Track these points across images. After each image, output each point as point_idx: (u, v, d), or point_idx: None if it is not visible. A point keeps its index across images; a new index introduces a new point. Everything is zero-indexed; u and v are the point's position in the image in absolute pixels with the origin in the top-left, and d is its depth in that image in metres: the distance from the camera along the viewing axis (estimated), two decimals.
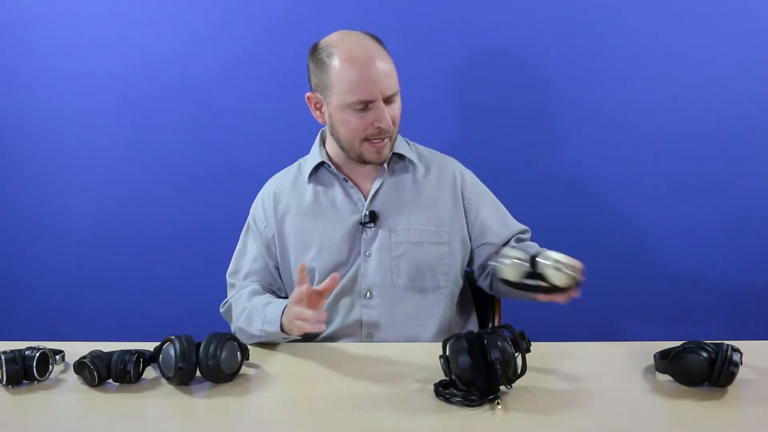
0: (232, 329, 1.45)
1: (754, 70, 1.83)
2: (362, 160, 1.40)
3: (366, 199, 1.43)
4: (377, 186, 1.43)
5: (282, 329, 1.28)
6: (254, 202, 1.53)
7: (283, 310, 1.29)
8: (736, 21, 1.81)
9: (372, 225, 1.42)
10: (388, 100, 1.33)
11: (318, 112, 1.40)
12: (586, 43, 1.85)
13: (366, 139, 1.35)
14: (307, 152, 1.53)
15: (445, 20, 1.85)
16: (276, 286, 1.51)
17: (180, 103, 1.94)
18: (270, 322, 1.31)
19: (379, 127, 1.33)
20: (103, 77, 1.93)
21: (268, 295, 1.45)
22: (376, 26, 1.40)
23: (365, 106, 1.32)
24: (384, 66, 1.32)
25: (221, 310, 1.50)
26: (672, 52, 1.84)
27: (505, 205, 1.54)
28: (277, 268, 1.49)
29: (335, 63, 1.31)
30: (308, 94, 1.39)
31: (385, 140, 1.36)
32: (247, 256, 1.50)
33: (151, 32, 1.91)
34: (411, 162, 1.46)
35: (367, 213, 1.42)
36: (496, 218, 1.50)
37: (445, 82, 1.88)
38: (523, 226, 1.53)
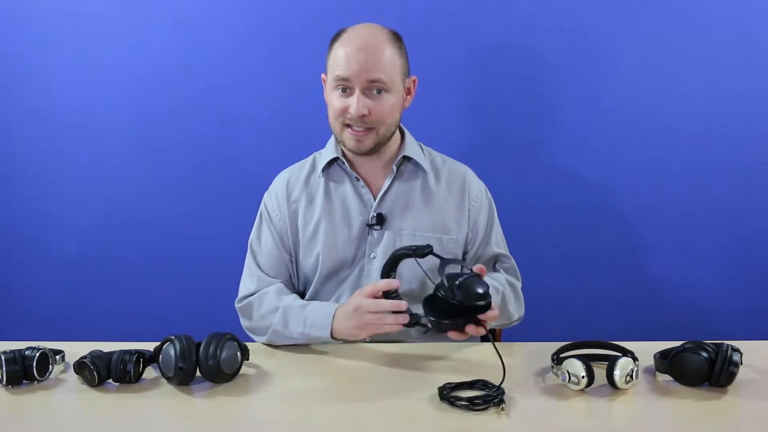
0: (246, 326, 1.42)
1: (755, 70, 1.83)
2: (347, 148, 1.40)
3: (375, 200, 1.43)
4: (386, 187, 1.43)
5: (332, 335, 1.29)
6: (267, 194, 1.51)
7: (334, 314, 1.29)
8: (736, 20, 1.81)
9: (378, 227, 1.42)
10: (370, 90, 1.32)
11: (326, 95, 1.42)
12: (592, 44, 1.84)
13: (346, 125, 1.35)
14: (312, 150, 1.53)
15: (445, 20, 1.85)
16: (293, 279, 1.49)
17: (182, 103, 1.93)
18: (316, 326, 1.30)
19: (350, 113, 1.33)
20: (105, 74, 1.93)
21: (296, 296, 1.42)
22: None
23: (345, 88, 1.33)
24: (374, 53, 1.31)
25: (238, 305, 1.45)
26: (674, 53, 1.84)
27: (506, 206, 1.54)
28: (292, 261, 1.48)
29: (336, 43, 1.36)
30: (322, 75, 1.42)
31: (366, 131, 1.35)
32: (262, 247, 1.47)
33: (154, 25, 1.90)
34: (421, 167, 1.45)
35: (375, 215, 1.42)
36: (489, 233, 1.48)
37: (451, 83, 1.88)
38: (505, 251, 1.50)
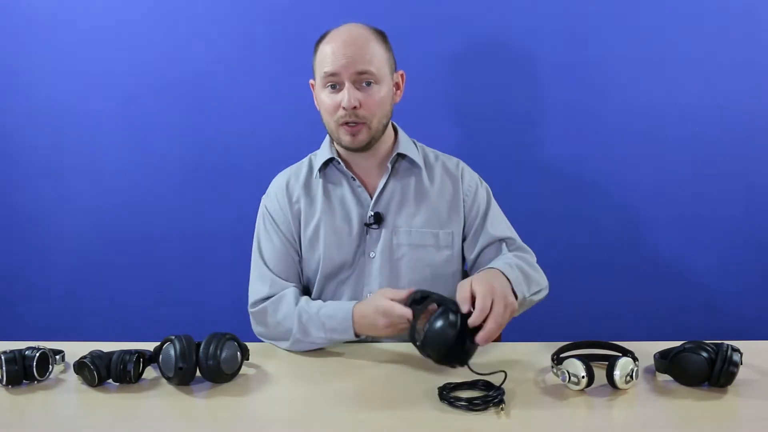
0: (259, 332, 1.40)
1: (754, 70, 1.84)
2: (343, 146, 1.40)
3: (371, 200, 1.43)
4: (381, 185, 1.43)
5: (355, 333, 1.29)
6: (266, 198, 1.50)
7: (352, 313, 1.29)
8: (735, 20, 1.81)
9: (376, 226, 1.42)
10: (360, 82, 1.33)
11: (316, 99, 1.42)
12: (585, 41, 1.85)
13: (340, 124, 1.35)
14: (309, 150, 1.53)
15: (443, 19, 1.85)
16: (302, 282, 1.47)
17: (180, 101, 1.94)
18: (337, 330, 1.29)
19: (344, 108, 1.32)
20: (103, 75, 1.93)
21: (307, 298, 1.39)
22: (373, 24, 1.41)
23: (335, 84, 1.34)
24: (360, 45, 1.32)
25: (252, 310, 1.41)
26: (671, 51, 1.84)
27: (502, 205, 1.53)
28: (299, 262, 1.46)
29: (321, 44, 1.37)
30: (310, 80, 1.43)
31: (359, 125, 1.35)
32: (270, 250, 1.44)
33: (151, 29, 1.90)
34: (415, 164, 1.45)
35: (372, 214, 1.42)
36: (485, 217, 1.47)
37: (443, 81, 1.88)
38: (510, 234, 1.47)
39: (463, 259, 1.49)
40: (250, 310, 1.42)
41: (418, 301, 1.18)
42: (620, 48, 1.85)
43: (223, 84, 1.92)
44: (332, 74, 1.33)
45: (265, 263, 1.44)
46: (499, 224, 1.48)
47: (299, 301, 1.37)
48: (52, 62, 1.94)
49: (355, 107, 1.32)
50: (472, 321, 1.09)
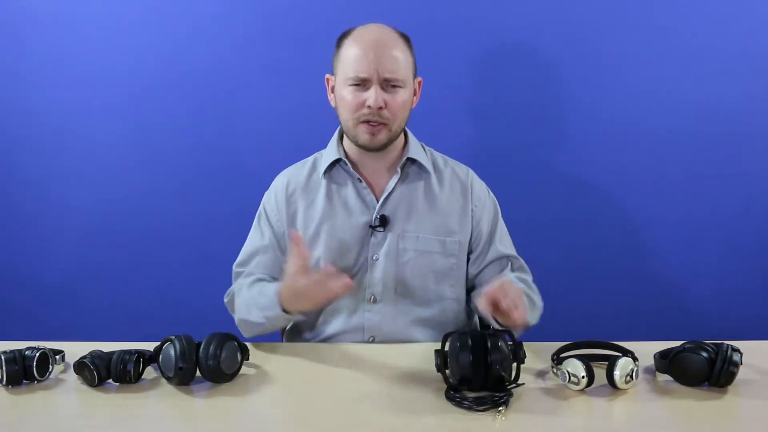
0: (236, 321, 1.43)
1: (756, 68, 1.84)
2: (359, 145, 1.39)
3: (378, 202, 1.42)
4: (390, 189, 1.42)
5: (284, 310, 1.29)
6: (267, 194, 1.51)
7: (278, 291, 1.30)
8: (737, 19, 1.81)
9: (382, 229, 1.41)
10: (387, 85, 1.33)
11: (332, 95, 1.42)
12: (589, 42, 1.85)
13: (361, 122, 1.35)
14: (309, 149, 1.53)
15: (448, 21, 1.85)
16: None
17: (182, 99, 1.93)
18: (267, 307, 1.31)
19: (369, 107, 1.32)
20: (105, 73, 1.93)
21: (264, 283, 1.42)
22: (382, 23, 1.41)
23: (362, 84, 1.33)
24: (390, 51, 1.33)
25: (225, 300, 1.49)
26: (675, 52, 1.84)
27: (507, 205, 1.54)
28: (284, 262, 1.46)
29: (346, 42, 1.36)
30: (327, 75, 1.42)
31: (380, 126, 1.35)
32: (256, 247, 1.47)
33: (153, 28, 1.90)
34: (425, 169, 1.45)
35: (378, 217, 1.41)
36: (493, 233, 1.48)
37: (451, 82, 1.88)
38: (513, 252, 1.49)
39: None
40: (224, 299, 1.49)
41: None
42: (631, 51, 1.84)
43: (223, 84, 1.92)
44: (360, 78, 1.32)
45: (248, 259, 1.48)
46: (506, 240, 1.50)
47: (254, 285, 1.41)
48: (52, 62, 1.94)
49: (380, 107, 1.32)
50: (491, 292, 1.13)
